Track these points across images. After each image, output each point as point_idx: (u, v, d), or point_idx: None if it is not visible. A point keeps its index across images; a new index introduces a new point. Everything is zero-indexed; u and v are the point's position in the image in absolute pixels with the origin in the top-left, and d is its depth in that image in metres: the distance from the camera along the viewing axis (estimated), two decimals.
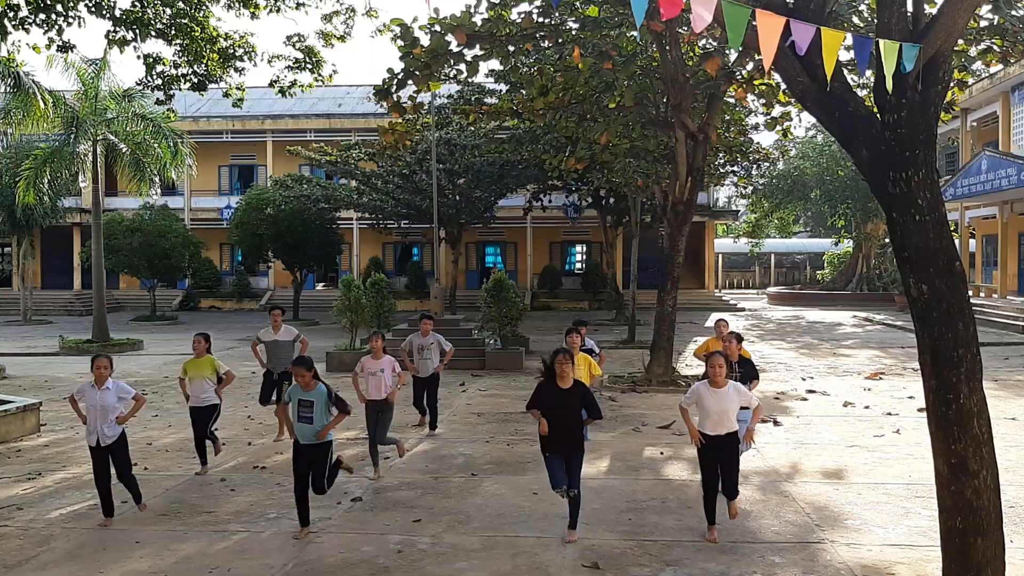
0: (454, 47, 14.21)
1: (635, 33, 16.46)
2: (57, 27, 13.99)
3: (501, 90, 25.65)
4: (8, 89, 20.35)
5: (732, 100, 17.11)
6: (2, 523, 8.06)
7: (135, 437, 11.62)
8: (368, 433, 9.67)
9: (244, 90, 16.83)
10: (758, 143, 28.04)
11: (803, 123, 60.41)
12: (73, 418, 13.28)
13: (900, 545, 7.22)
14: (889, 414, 13.16)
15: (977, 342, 4.78)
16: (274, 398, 11.74)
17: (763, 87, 17.04)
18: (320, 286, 42.34)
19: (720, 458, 7.28)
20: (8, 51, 15.70)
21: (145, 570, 6.79)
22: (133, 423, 12.42)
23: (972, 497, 4.73)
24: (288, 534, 7.61)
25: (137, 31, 14.37)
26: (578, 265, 44.33)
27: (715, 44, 14.03)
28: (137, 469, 9.93)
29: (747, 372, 8.62)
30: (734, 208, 47.70)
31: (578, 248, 44.60)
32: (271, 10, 14.80)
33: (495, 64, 26.04)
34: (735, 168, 29.14)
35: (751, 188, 38.53)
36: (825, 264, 51.19)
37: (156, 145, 24.65)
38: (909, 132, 4.65)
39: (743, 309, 38.62)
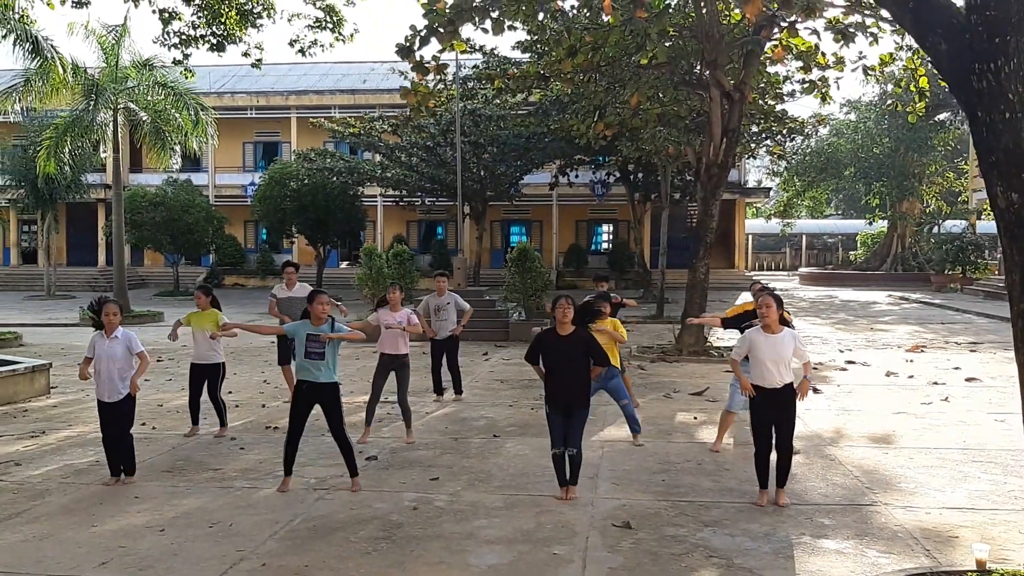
0: (479, 1, 13.60)
1: None
2: None
3: (526, 61, 25.05)
4: (26, 55, 20.02)
5: (769, 57, 16.33)
6: None
7: (147, 399, 11.25)
8: (372, 390, 9.07)
9: (263, 50, 16.36)
10: (793, 116, 27.17)
11: (840, 91, 59.21)
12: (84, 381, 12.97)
13: (961, 508, 6.60)
14: (935, 383, 12.49)
15: None
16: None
17: (802, 48, 16.31)
18: (344, 264, 41.96)
19: (776, 415, 6.61)
20: (21, 8, 15.32)
21: (142, 524, 6.32)
22: (145, 386, 12.04)
23: None
24: (298, 491, 7.12)
25: None
26: (604, 244, 43.62)
27: None
28: (145, 429, 9.55)
29: None
30: (765, 187, 46.71)
31: (604, 227, 43.89)
32: None
33: (521, 35, 25.58)
34: (768, 141, 28.30)
35: (784, 163, 37.59)
36: (858, 245, 50.14)
37: (177, 114, 24.25)
38: (999, 14, 4.02)
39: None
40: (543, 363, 6.93)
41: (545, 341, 6.92)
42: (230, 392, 11.47)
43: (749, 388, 6.65)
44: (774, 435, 6.60)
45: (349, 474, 7.18)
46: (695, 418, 10.16)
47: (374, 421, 9.20)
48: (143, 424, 9.71)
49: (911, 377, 13.12)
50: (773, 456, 6.66)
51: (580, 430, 6.90)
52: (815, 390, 11.83)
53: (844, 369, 14.07)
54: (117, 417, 7.43)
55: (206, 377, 9.38)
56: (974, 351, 16.38)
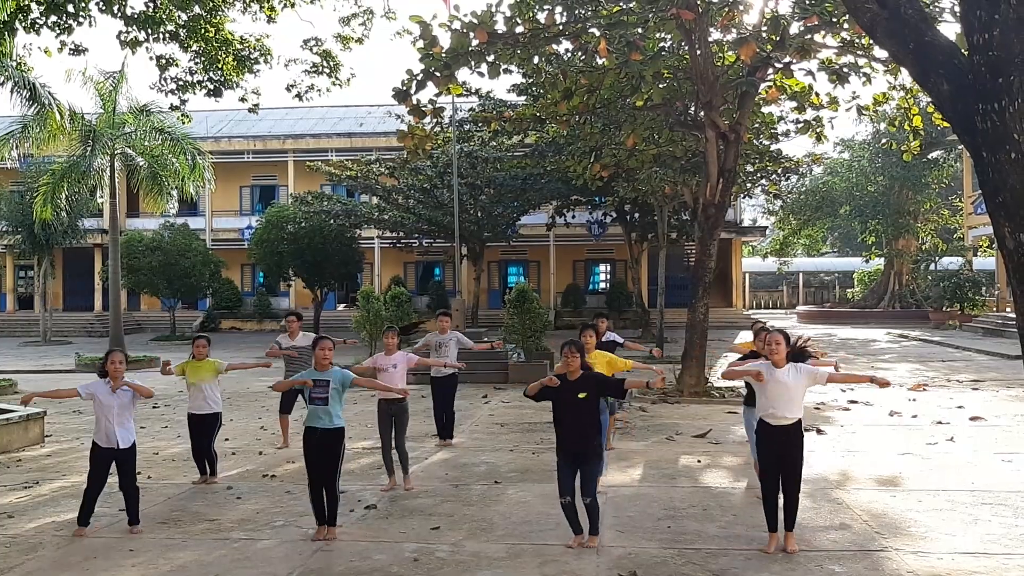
0: (475, 45, 13.69)
1: (661, 34, 15.92)
2: (67, 27, 13.63)
3: (522, 103, 25.25)
4: (24, 101, 20.07)
5: (763, 98, 16.45)
6: None
7: (142, 447, 11.01)
8: (382, 440, 8.92)
9: (260, 95, 16.44)
10: (788, 155, 27.30)
11: (834, 130, 59.67)
12: (79, 428, 12.84)
13: (973, 553, 6.47)
14: (940, 423, 12.36)
15: None
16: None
17: (796, 89, 16.43)
18: (341, 307, 41.86)
19: (782, 451, 6.53)
20: (18, 56, 15.40)
21: None
22: (141, 434, 11.86)
23: None
24: (295, 542, 6.97)
25: (149, 31, 14.00)
26: (602, 284, 43.60)
27: (748, 29, 13.45)
28: (140, 478, 9.36)
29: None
30: (761, 225, 46.86)
31: (602, 267, 43.89)
32: (286, 3, 14.37)
33: (517, 78, 25.84)
34: (764, 181, 28.43)
35: (779, 202, 37.74)
36: (855, 282, 50.18)
37: (174, 159, 24.31)
38: (1002, 55, 3.99)
39: (772, 328, 37.63)
40: (553, 412, 6.78)
41: (555, 387, 6.75)
42: (227, 439, 11.34)
43: (755, 372, 6.59)
44: (781, 475, 6.52)
45: (328, 522, 7.08)
46: (699, 461, 10.01)
47: (373, 468, 9.07)
48: (138, 473, 9.54)
49: (915, 417, 13.00)
50: (781, 499, 6.56)
51: (594, 481, 6.73)
52: (818, 431, 11.73)
53: (847, 409, 13.95)
54: (121, 466, 7.43)
55: (204, 427, 9.30)
56: (976, 389, 16.27)
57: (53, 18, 13.87)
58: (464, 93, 25.64)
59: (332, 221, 31.35)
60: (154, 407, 15.40)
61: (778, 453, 6.52)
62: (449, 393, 11.26)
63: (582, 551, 6.57)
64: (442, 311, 11.88)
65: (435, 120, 15.79)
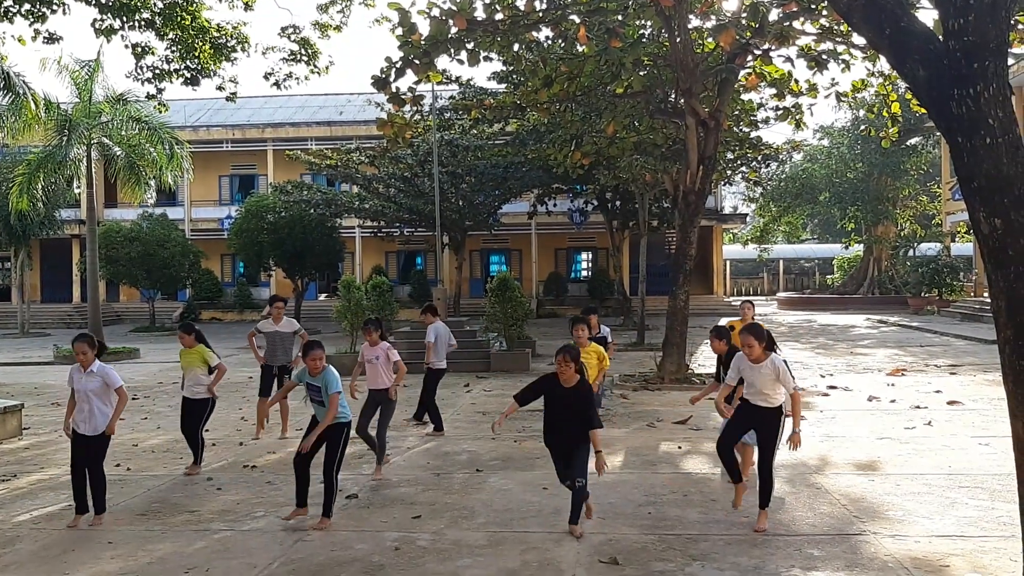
0: (454, 33, 13.61)
1: (641, 21, 15.89)
2: (41, 15, 13.45)
3: (502, 91, 25.16)
4: None
5: (742, 85, 16.47)
6: None
7: (122, 439, 10.99)
8: (360, 418, 8.88)
9: (238, 83, 16.29)
10: (768, 142, 27.37)
11: (814, 117, 59.96)
12: (57, 422, 12.69)
13: (950, 536, 6.53)
14: (918, 407, 12.46)
15: None
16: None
17: (776, 76, 16.45)
18: (322, 296, 41.74)
19: (757, 426, 6.63)
20: None
21: (115, 571, 6.13)
22: (120, 425, 11.78)
23: None
24: (276, 533, 6.95)
25: (124, 19, 13.83)
26: (584, 272, 43.66)
27: (728, 16, 13.45)
28: (119, 470, 9.36)
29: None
30: (742, 212, 47.04)
31: (584, 255, 43.95)
32: None
33: (497, 66, 25.73)
34: (744, 168, 28.50)
35: (759, 189, 37.90)
36: (835, 269, 50.48)
37: (152, 148, 24.09)
38: (977, 40, 4.00)
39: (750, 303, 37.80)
40: (544, 410, 6.80)
41: (547, 385, 6.76)
42: (207, 430, 11.23)
43: (724, 414, 6.69)
44: (755, 452, 6.61)
45: (322, 512, 7.06)
46: (679, 448, 10.06)
47: (355, 458, 9.06)
48: (117, 465, 9.51)
49: (893, 401, 13.11)
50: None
51: (583, 462, 6.70)
52: None
53: (826, 394, 14.04)
54: (89, 450, 7.33)
55: (192, 410, 9.28)
56: (954, 374, 16.42)
57: (26, 6, 13.69)
58: (444, 81, 25.51)
59: (312, 210, 31.20)
60: (133, 398, 15.26)
61: (752, 426, 6.63)
62: (432, 383, 11.38)
63: (562, 539, 6.59)
64: (428, 305, 12.13)
65: (415, 108, 15.65)
